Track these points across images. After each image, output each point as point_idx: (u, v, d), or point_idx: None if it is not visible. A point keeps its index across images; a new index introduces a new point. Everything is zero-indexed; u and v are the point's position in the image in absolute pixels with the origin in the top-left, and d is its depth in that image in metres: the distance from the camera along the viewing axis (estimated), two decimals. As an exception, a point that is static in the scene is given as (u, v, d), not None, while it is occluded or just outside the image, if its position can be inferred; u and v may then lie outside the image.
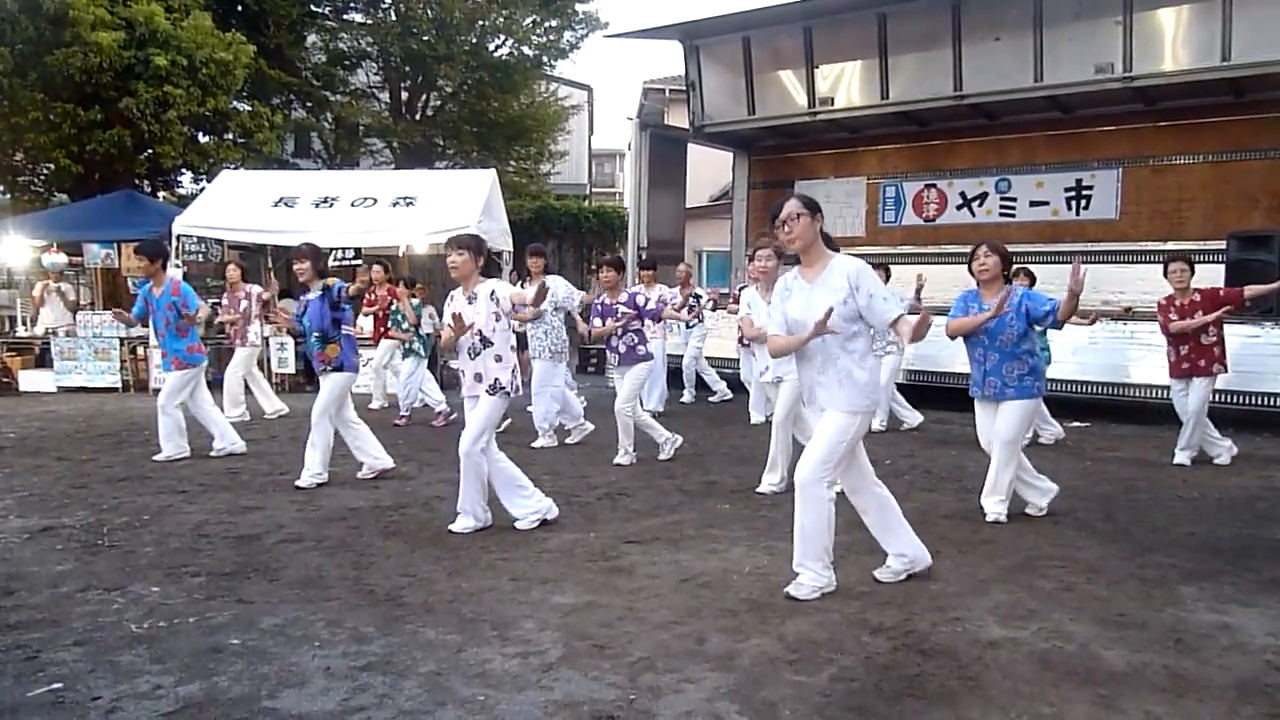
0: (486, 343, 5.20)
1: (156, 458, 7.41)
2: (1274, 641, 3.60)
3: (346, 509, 5.77)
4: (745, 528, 5.27)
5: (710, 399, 11.50)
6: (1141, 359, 9.58)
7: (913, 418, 9.20)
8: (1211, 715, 3.00)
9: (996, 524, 5.47)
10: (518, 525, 5.26)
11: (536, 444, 8.20)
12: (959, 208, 13.25)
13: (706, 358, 11.66)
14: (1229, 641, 3.61)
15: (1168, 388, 7.67)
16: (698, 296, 11.51)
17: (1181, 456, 7.53)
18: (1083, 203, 12.25)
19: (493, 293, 5.23)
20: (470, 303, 5.24)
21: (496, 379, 5.21)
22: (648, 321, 7.63)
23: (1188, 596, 4.19)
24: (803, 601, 4.04)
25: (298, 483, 6.42)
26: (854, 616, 3.86)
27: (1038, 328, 5.60)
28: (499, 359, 5.22)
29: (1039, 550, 4.93)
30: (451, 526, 5.25)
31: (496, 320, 5.21)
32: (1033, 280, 8.13)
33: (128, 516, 5.53)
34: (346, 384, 6.60)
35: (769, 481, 6.36)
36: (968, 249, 5.71)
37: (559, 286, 8.20)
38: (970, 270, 5.59)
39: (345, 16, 20.26)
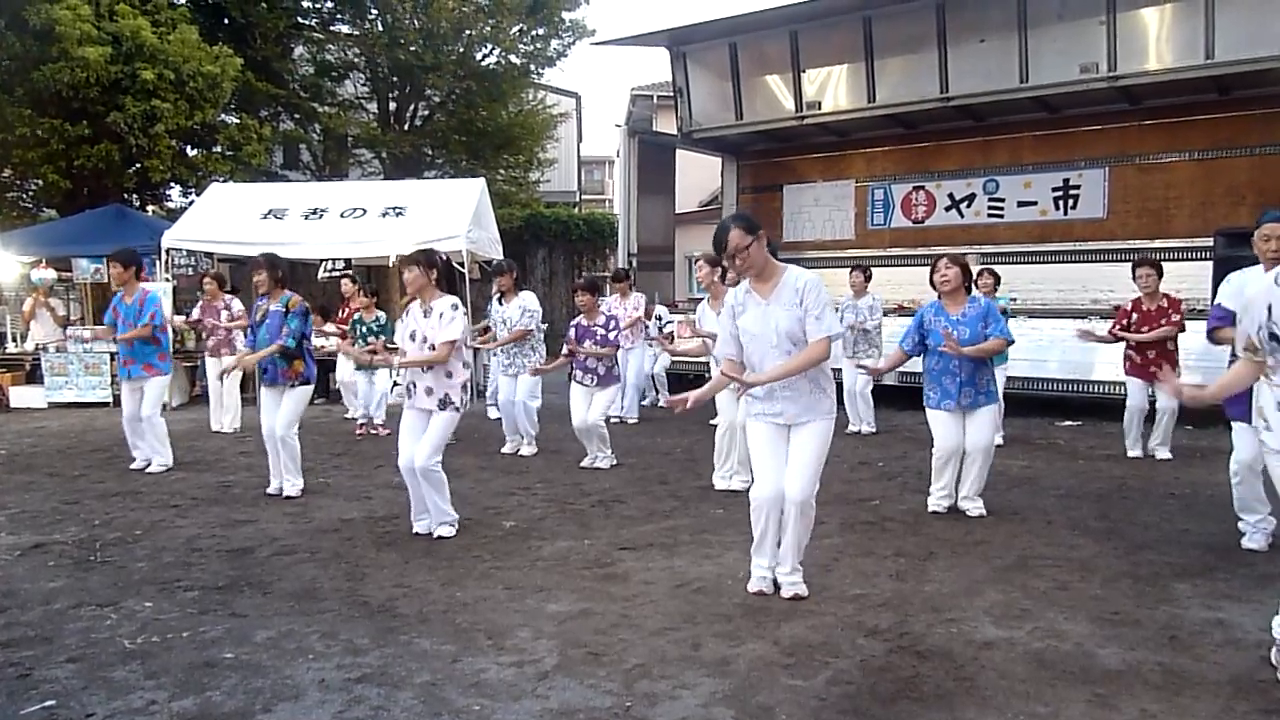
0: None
1: (150, 469, 7.41)
2: (1267, 637, 3.59)
3: (340, 520, 5.75)
4: (739, 532, 5.25)
5: (657, 402, 11.70)
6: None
7: (870, 425, 9.32)
8: (1207, 712, 3.01)
9: (989, 524, 5.51)
10: (437, 532, 5.31)
11: (525, 451, 8.23)
12: (947, 209, 13.29)
13: (675, 361, 11.87)
14: (1223, 638, 3.63)
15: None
16: (660, 317, 11.84)
17: (1163, 452, 7.67)
18: (1070, 202, 12.30)
19: (454, 305, 5.27)
20: (425, 316, 5.30)
21: (446, 394, 5.25)
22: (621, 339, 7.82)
23: (1181, 594, 4.21)
24: (804, 600, 4.07)
25: (287, 493, 6.46)
26: (849, 619, 3.86)
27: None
28: (450, 374, 5.26)
29: (1032, 550, 4.95)
30: (439, 533, 5.29)
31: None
32: (997, 280, 8.23)
33: (120, 532, 5.50)
34: (308, 396, 6.65)
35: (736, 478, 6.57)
36: (958, 250, 5.80)
37: (530, 304, 8.22)
38: (932, 283, 5.73)
39: (332, 28, 20.23)
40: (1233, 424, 4.86)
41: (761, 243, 4.03)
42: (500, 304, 8.35)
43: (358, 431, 9.61)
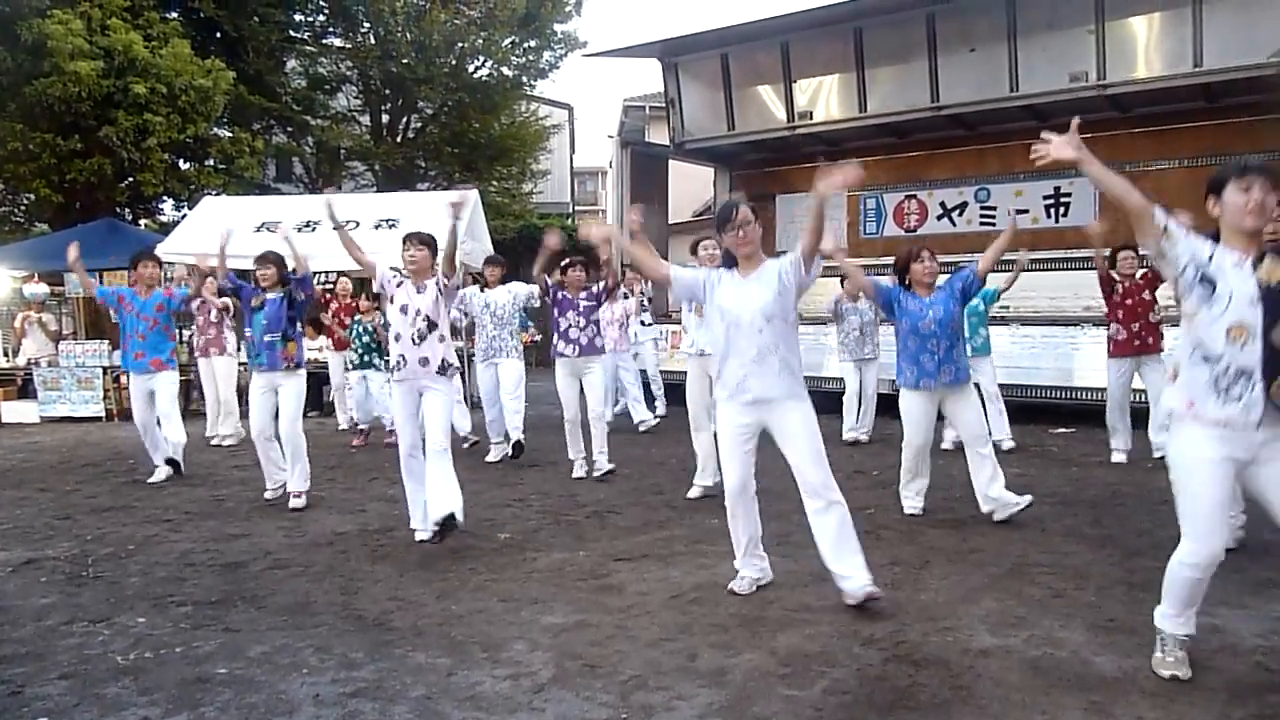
0: (432, 326, 5.36)
1: (151, 479, 7.42)
2: (1263, 642, 3.61)
3: (333, 533, 5.74)
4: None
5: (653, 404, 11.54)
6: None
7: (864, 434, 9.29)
8: (1202, 718, 3.01)
9: (984, 532, 5.50)
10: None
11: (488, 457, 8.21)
12: (939, 218, 13.32)
13: (667, 370, 11.79)
14: (1219, 644, 3.62)
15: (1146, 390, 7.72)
16: (645, 293, 11.79)
17: (1162, 443, 7.61)
18: (1061, 210, 12.34)
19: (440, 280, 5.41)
20: (420, 292, 5.41)
21: (444, 359, 5.35)
22: (611, 338, 7.70)
23: (1176, 599, 4.20)
24: (827, 607, 4.11)
25: (294, 488, 6.47)
26: (845, 628, 3.86)
27: (973, 300, 5.74)
28: (443, 339, 5.38)
29: (1027, 557, 4.95)
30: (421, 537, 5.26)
31: (443, 304, 5.38)
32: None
33: (113, 547, 5.48)
34: (304, 385, 6.68)
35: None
36: (950, 259, 5.83)
37: (519, 288, 8.30)
38: (911, 270, 5.78)
39: (324, 41, 20.32)
40: None
41: (759, 228, 4.20)
42: (482, 291, 8.40)
43: (355, 442, 9.56)
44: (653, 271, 4.43)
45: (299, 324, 6.71)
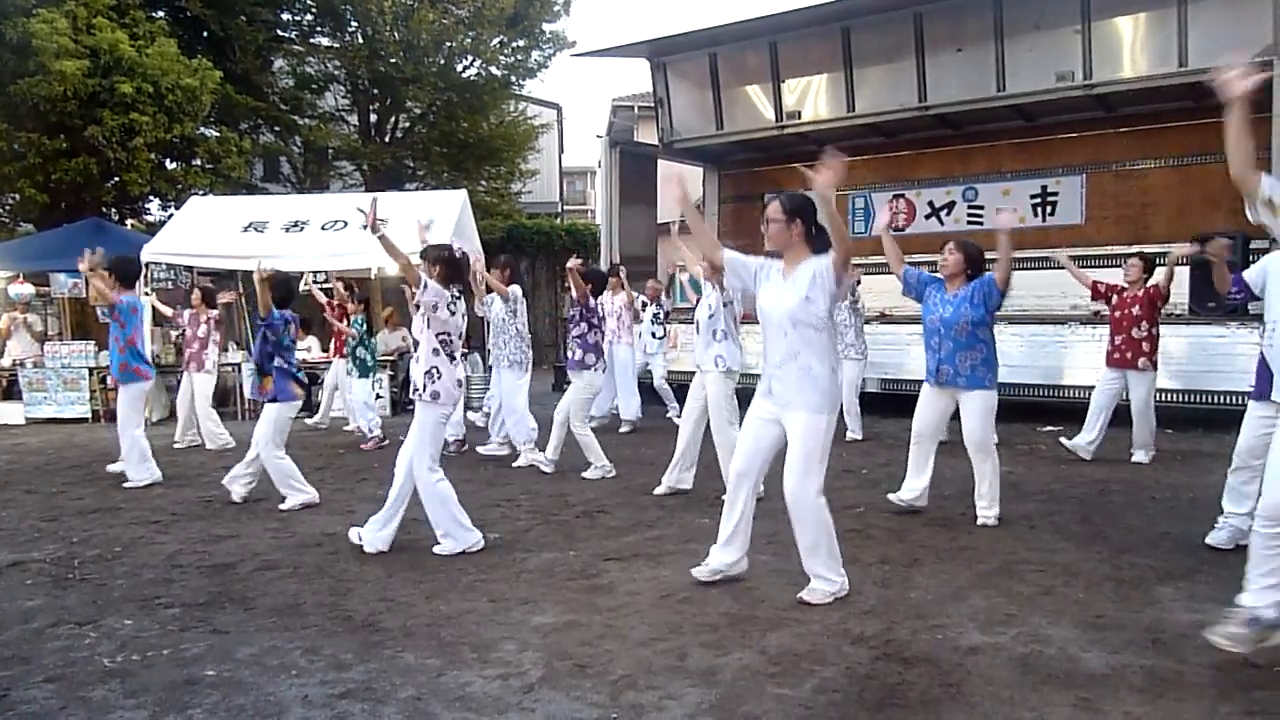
0: (416, 345, 5.33)
1: (127, 485, 7.34)
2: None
3: (322, 534, 5.71)
4: (725, 541, 5.26)
5: (667, 415, 11.44)
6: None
7: (856, 432, 9.30)
8: (1191, 714, 3.03)
9: (973, 530, 5.52)
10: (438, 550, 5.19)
11: (518, 463, 8.16)
12: (927, 217, 13.37)
13: (671, 372, 11.73)
14: (1206, 640, 3.62)
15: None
16: (661, 306, 11.81)
17: (1139, 455, 7.68)
18: (1049, 209, 12.40)
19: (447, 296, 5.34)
20: (417, 309, 5.38)
21: (413, 384, 5.26)
22: (609, 329, 7.70)
23: (1164, 596, 4.23)
24: (814, 606, 4.11)
25: (288, 505, 6.43)
26: (834, 627, 3.86)
27: (992, 310, 5.63)
28: (417, 361, 5.29)
29: (1016, 555, 4.97)
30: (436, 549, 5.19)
31: (427, 323, 5.26)
32: None
33: (99, 549, 5.44)
34: (283, 413, 6.55)
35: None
36: (937, 258, 5.88)
37: (514, 292, 8.23)
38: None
39: (312, 40, 20.22)
40: (1249, 405, 4.83)
41: (790, 228, 4.16)
42: (488, 292, 8.39)
43: (364, 446, 9.46)
44: (710, 250, 4.39)
45: (275, 359, 6.57)
